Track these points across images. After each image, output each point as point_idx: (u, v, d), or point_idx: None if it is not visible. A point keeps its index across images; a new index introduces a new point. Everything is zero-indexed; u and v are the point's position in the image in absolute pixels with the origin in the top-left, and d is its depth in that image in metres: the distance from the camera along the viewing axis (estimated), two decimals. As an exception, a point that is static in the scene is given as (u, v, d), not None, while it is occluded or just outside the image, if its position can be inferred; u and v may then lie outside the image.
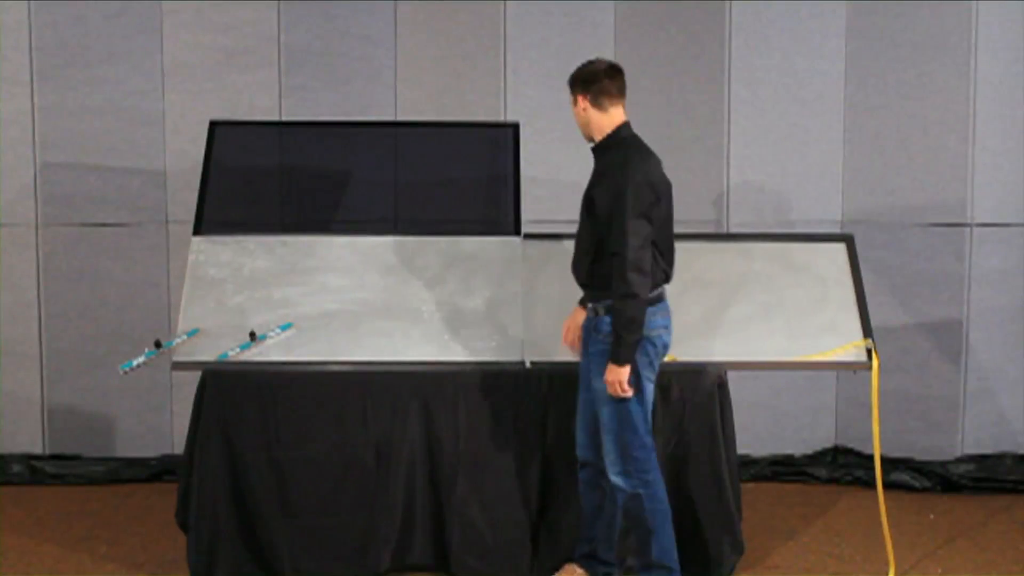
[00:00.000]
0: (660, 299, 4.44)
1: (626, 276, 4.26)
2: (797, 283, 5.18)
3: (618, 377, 4.33)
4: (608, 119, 4.48)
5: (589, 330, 4.49)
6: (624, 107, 4.53)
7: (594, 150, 4.54)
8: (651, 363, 4.43)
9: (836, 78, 6.28)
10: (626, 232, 4.27)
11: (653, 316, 4.38)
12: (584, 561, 4.72)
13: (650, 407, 4.48)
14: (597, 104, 4.47)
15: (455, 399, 4.82)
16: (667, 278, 4.50)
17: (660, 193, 4.39)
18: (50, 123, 6.18)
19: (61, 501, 5.92)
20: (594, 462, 4.59)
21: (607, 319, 4.37)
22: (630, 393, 4.34)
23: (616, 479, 4.45)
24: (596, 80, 4.47)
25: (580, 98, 4.48)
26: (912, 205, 6.23)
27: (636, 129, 6.20)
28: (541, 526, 4.86)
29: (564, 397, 4.83)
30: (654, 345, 4.41)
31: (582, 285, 4.58)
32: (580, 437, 4.64)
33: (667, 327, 4.46)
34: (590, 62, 4.56)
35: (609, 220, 4.33)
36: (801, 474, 6.31)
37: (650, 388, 4.45)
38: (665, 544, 4.49)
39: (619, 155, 4.42)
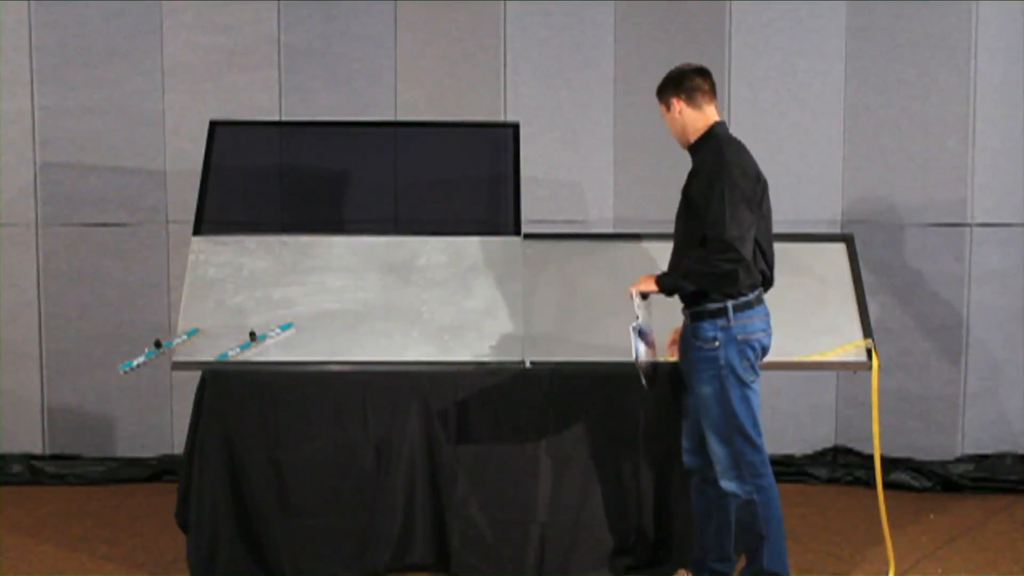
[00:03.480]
0: (759, 301, 4.38)
1: (719, 258, 4.18)
2: (797, 283, 5.18)
3: (647, 286, 4.35)
4: (704, 118, 4.44)
5: (688, 336, 4.43)
6: (717, 108, 4.49)
7: (690, 149, 4.49)
8: (752, 367, 4.35)
9: (836, 78, 6.28)
10: (725, 218, 4.18)
11: (751, 319, 4.33)
12: (695, 568, 4.68)
13: (758, 411, 4.39)
14: (692, 103, 4.44)
15: (455, 399, 4.82)
16: (767, 281, 4.46)
17: (759, 189, 4.34)
18: (50, 123, 6.18)
19: (61, 501, 5.92)
20: (700, 468, 4.54)
21: (705, 324, 4.32)
22: (642, 287, 4.35)
23: (729, 484, 4.37)
24: (688, 79, 4.45)
25: (675, 100, 4.45)
26: (912, 205, 6.23)
27: (635, 128, 6.20)
28: (541, 526, 4.86)
29: (564, 397, 4.83)
30: (753, 349, 4.35)
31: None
32: (685, 443, 4.59)
33: (766, 330, 4.39)
34: (676, 67, 4.54)
35: (708, 210, 4.23)
36: (801, 474, 6.31)
37: (755, 392, 4.37)
38: (777, 552, 4.41)
39: (714, 149, 4.36)
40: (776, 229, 5.93)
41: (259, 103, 6.18)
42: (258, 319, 4.91)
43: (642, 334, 4.45)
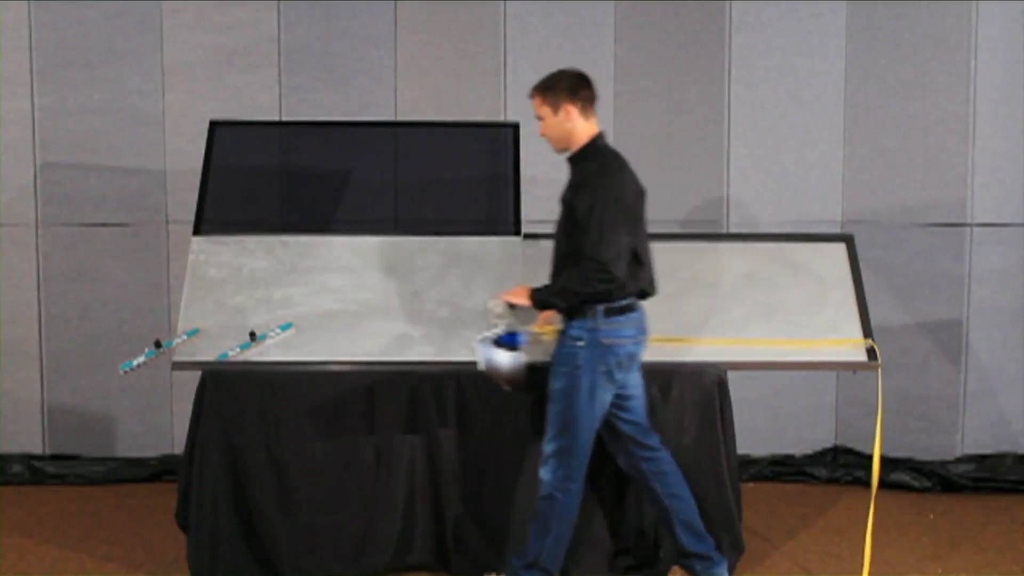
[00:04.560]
0: (631, 309, 4.42)
1: (592, 278, 4.25)
2: (797, 283, 5.18)
3: (520, 300, 4.39)
4: (590, 128, 4.47)
5: (559, 334, 4.47)
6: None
7: (571, 159, 4.50)
8: (609, 372, 4.39)
9: (836, 78, 6.28)
10: (603, 239, 4.25)
11: (621, 326, 4.38)
12: (681, 561, 4.70)
13: (600, 418, 4.44)
14: (584, 112, 4.46)
15: (455, 399, 4.81)
16: (645, 291, 4.49)
17: (639, 204, 4.42)
18: (50, 123, 6.18)
19: (61, 501, 5.92)
20: (639, 459, 4.60)
21: (575, 324, 4.37)
22: (514, 299, 4.40)
23: (544, 473, 4.44)
24: (584, 87, 4.47)
25: (568, 106, 4.44)
26: (912, 205, 6.23)
27: (635, 128, 6.21)
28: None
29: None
30: (616, 355, 4.39)
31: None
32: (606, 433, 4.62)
33: (635, 338, 4.44)
34: (563, 71, 4.53)
35: (588, 228, 4.29)
36: (801, 474, 6.31)
37: (603, 396, 4.41)
38: (556, 550, 4.48)
39: (597, 164, 4.39)
40: (776, 229, 6.00)
41: (259, 103, 6.18)
42: (258, 319, 4.91)
43: (505, 342, 4.47)
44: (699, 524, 4.64)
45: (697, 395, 4.86)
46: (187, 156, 6.07)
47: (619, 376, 4.43)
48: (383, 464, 4.82)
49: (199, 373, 4.81)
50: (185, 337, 4.84)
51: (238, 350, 4.80)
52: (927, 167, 6.21)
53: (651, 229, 5.93)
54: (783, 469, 6.33)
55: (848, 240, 5.34)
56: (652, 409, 4.85)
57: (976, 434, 6.25)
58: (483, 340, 4.51)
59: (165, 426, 6.28)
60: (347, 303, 4.97)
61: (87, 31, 6.16)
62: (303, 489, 4.79)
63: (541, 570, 4.49)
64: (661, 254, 5.24)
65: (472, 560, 4.83)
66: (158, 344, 4.84)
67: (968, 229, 6.20)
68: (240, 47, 6.20)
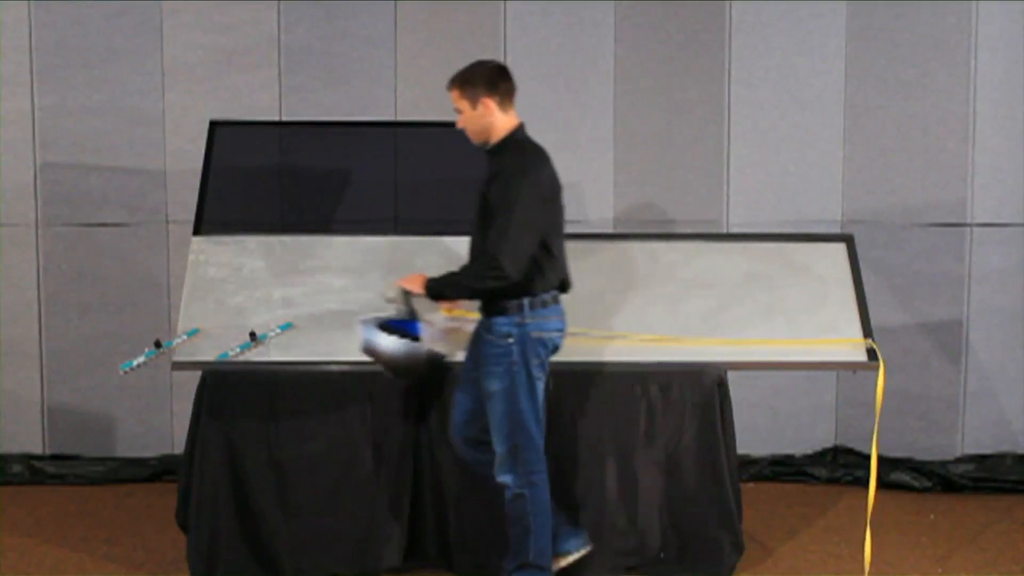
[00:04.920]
0: (555, 302, 4.42)
1: (485, 274, 4.25)
2: (797, 283, 5.18)
3: (414, 287, 4.37)
4: (509, 121, 4.44)
5: (480, 331, 4.45)
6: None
7: (490, 152, 4.46)
8: (542, 363, 4.41)
9: (836, 78, 6.28)
10: (506, 238, 4.23)
11: (548, 318, 4.38)
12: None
13: (541, 406, 4.44)
14: (503, 105, 4.42)
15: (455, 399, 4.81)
16: (563, 284, 4.48)
17: (554, 201, 4.38)
18: (50, 123, 6.18)
19: (61, 501, 5.92)
20: (472, 461, 4.62)
21: (500, 320, 4.35)
22: (409, 286, 4.38)
23: (504, 477, 4.44)
24: (503, 80, 4.43)
25: (486, 99, 4.38)
26: (912, 205, 6.23)
27: (635, 128, 6.21)
28: (541, 526, 4.86)
29: (564, 396, 4.83)
30: (546, 347, 4.41)
31: None
32: (455, 429, 4.62)
33: (561, 331, 4.45)
34: (482, 63, 4.49)
35: (494, 223, 4.28)
36: (801, 474, 6.31)
37: (541, 387, 4.42)
38: (543, 545, 4.47)
39: (516, 157, 4.37)
40: (776, 229, 6.00)
41: (259, 103, 6.18)
42: (258, 319, 4.90)
43: (395, 327, 4.45)
44: (562, 521, 4.64)
45: (697, 395, 4.86)
46: (187, 156, 6.07)
47: (546, 369, 4.43)
48: (383, 464, 4.82)
49: (199, 373, 4.81)
50: (185, 337, 4.84)
51: (238, 350, 4.80)
52: (927, 167, 6.21)
53: (651, 229, 5.98)
54: (783, 469, 6.32)
55: (848, 240, 5.33)
56: (652, 409, 4.86)
57: (976, 434, 6.24)
58: (365, 321, 4.48)
59: (165, 426, 6.27)
60: (347, 303, 4.97)
61: (87, 31, 6.15)
62: (303, 489, 4.80)
63: (535, 568, 4.48)
64: (661, 254, 5.26)
65: (474, 559, 4.83)
66: (158, 344, 4.84)
67: (968, 229, 6.20)
68: (240, 47, 6.20)
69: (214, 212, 5.24)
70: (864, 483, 6.13)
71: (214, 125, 5.46)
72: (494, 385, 4.39)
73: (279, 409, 4.79)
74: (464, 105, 4.41)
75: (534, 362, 4.38)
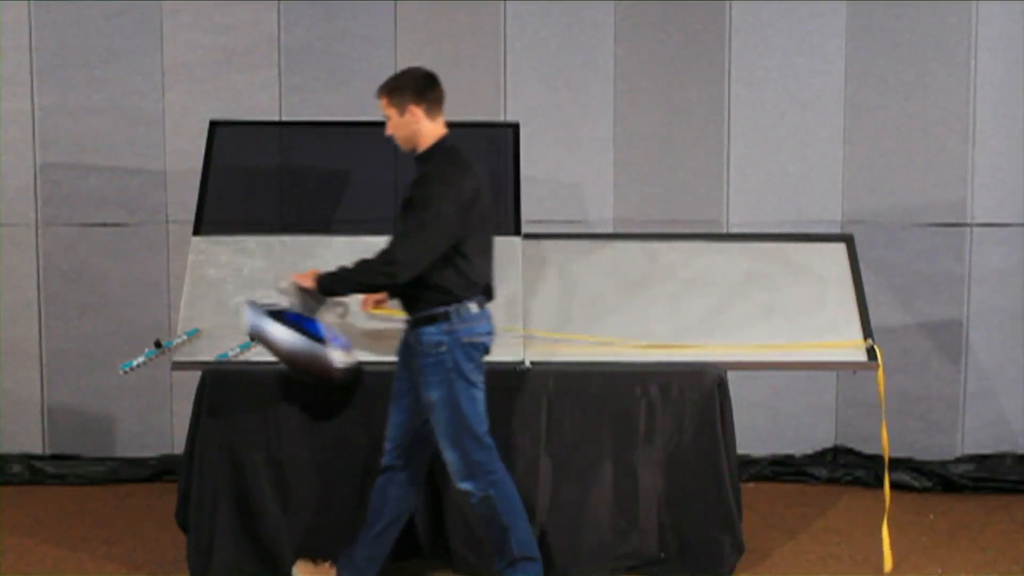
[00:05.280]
0: (480, 306, 4.41)
1: (377, 271, 4.29)
2: (797, 283, 5.18)
3: (306, 281, 4.39)
4: (436, 129, 4.43)
5: (410, 343, 4.44)
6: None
7: (417, 159, 4.46)
8: (477, 367, 4.41)
9: (836, 78, 6.28)
10: (408, 241, 4.26)
11: (475, 322, 4.38)
12: (346, 558, 4.63)
13: (483, 411, 4.43)
14: (431, 113, 4.41)
15: (455, 399, 4.81)
16: (488, 291, 4.47)
17: (472, 209, 4.34)
18: (50, 123, 6.18)
19: (61, 501, 5.92)
20: (393, 466, 4.57)
21: (430, 329, 4.34)
22: (303, 281, 4.40)
23: (464, 485, 4.42)
24: (431, 89, 4.43)
25: (413, 107, 4.38)
26: (912, 205, 6.23)
27: (635, 128, 6.21)
28: (541, 526, 4.85)
29: (564, 397, 4.83)
30: (478, 351, 4.41)
31: (399, 295, 4.48)
32: (388, 444, 4.59)
33: (490, 333, 4.46)
34: (411, 70, 4.50)
35: (402, 225, 4.30)
36: (801, 474, 6.31)
37: (480, 391, 4.41)
38: (523, 536, 4.47)
39: (439, 165, 4.36)
40: (776, 229, 6.00)
41: (259, 103, 6.18)
42: (258, 319, 4.89)
43: (290, 320, 4.47)
44: (388, 547, 4.62)
45: (697, 395, 4.86)
46: (187, 156, 6.07)
47: (481, 375, 4.42)
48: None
49: (199, 373, 4.81)
50: (185, 337, 4.84)
51: (238, 350, 4.80)
52: (927, 167, 6.21)
53: (651, 229, 5.97)
54: (783, 469, 6.32)
55: (848, 240, 5.34)
56: (652, 409, 4.86)
57: (976, 434, 6.25)
58: (251, 305, 4.50)
59: (165, 426, 6.28)
60: (347, 303, 4.96)
61: (87, 31, 6.15)
62: (303, 489, 4.79)
63: (525, 560, 4.47)
64: (661, 254, 5.27)
65: (473, 558, 4.82)
66: (158, 344, 4.84)
67: (968, 229, 6.20)
68: (240, 47, 6.20)
69: (214, 212, 5.24)
70: (864, 483, 6.15)
71: (214, 125, 5.45)
72: (433, 395, 4.38)
73: (279, 409, 4.79)
74: (392, 112, 4.43)
75: (469, 366, 4.37)
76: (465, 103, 6.19)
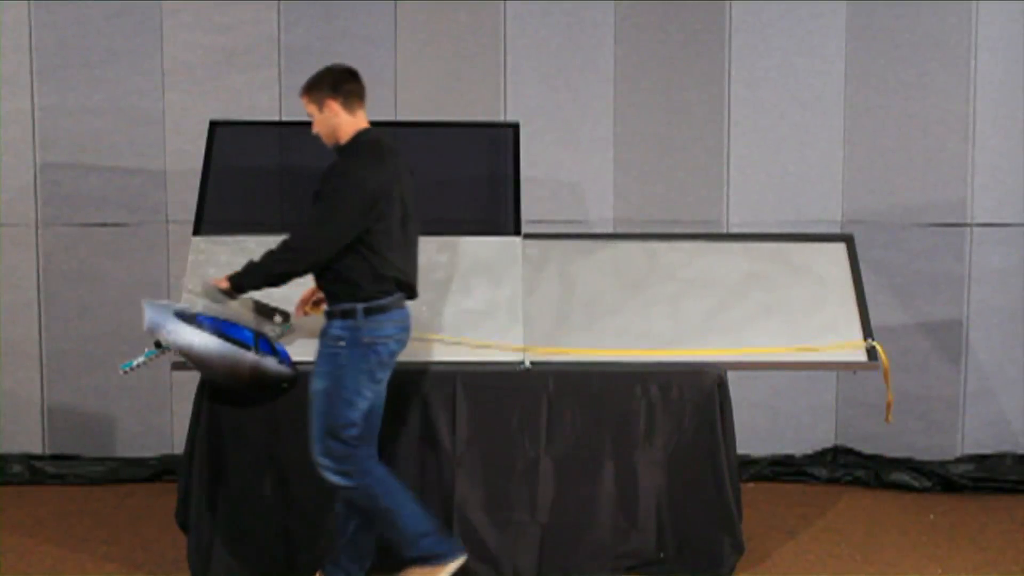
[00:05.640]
0: (392, 307, 4.38)
1: (278, 258, 4.32)
2: (797, 283, 5.19)
3: (221, 283, 4.42)
4: (355, 123, 4.44)
5: (321, 332, 4.45)
6: (364, 112, 4.49)
7: (338, 152, 4.48)
8: (370, 371, 4.36)
9: (836, 78, 6.28)
10: (310, 227, 4.29)
11: (382, 324, 4.35)
12: (331, 566, 4.62)
13: (368, 413, 4.39)
14: (348, 107, 4.42)
15: (455, 399, 4.81)
16: (404, 288, 4.44)
17: (381, 204, 4.32)
18: (50, 123, 6.18)
19: (61, 501, 5.92)
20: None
21: (336, 323, 4.35)
22: (219, 284, 4.43)
23: (336, 479, 4.40)
24: (346, 82, 4.44)
25: (330, 102, 4.40)
26: (912, 205, 6.23)
27: (635, 128, 6.20)
28: (541, 526, 4.85)
29: (564, 397, 4.83)
30: (377, 353, 4.36)
31: (322, 290, 4.50)
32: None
33: (397, 337, 4.41)
34: (329, 68, 4.51)
35: (310, 212, 4.34)
36: (801, 474, 6.31)
37: (367, 394, 4.37)
38: (410, 518, 4.41)
39: (350, 157, 4.38)
40: (776, 229, 6.00)
41: (259, 103, 6.18)
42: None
43: (206, 324, 4.50)
44: (369, 545, 4.60)
45: (697, 395, 4.86)
46: (187, 156, 6.07)
47: (381, 375, 4.40)
48: (383, 464, 4.81)
49: (199, 373, 4.80)
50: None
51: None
52: (927, 167, 6.21)
53: (651, 229, 5.97)
54: (783, 469, 6.32)
55: (848, 240, 5.34)
56: (652, 409, 4.86)
57: (976, 434, 6.25)
58: (152, 304, 4.54)
59: (165, 426, 6.28)
60: (290, 312, 4.93)
61: (87, 31, 6.15)
62: (303, 489, 4.79)
63: (424, 536, 4.42)
64: (661, 254, 5.26)
65: (473, 560, 4.82)
66: (158, 344, 4.83)
67: (968, 229, 6.20)
68: (240, 47, 6.20)
69: (214, 212, 5.24)
70: (864, 483, 6.15)
71: (214, 125, 5.45)
72: (317, 384, 4.38)
73: (279, 409, 4.78)
74: (313, 109, 4.45)
75: (363, 367, 4.34)
76: (465, 103, 6.22)
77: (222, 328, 4.55)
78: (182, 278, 4.96)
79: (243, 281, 4.45)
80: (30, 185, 6.19)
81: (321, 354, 4.40)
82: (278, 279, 4.42)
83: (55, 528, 5.53)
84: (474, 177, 5.61)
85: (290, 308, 4.77)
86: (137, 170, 6.21)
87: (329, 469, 4.40)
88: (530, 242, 5.21)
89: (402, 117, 6.20)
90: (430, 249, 5.12)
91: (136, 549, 5.26)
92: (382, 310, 4.35)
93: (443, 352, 4.90)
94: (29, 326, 6.21)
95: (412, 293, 4.52)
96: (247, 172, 5.61)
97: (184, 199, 5.94)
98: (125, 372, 4.80)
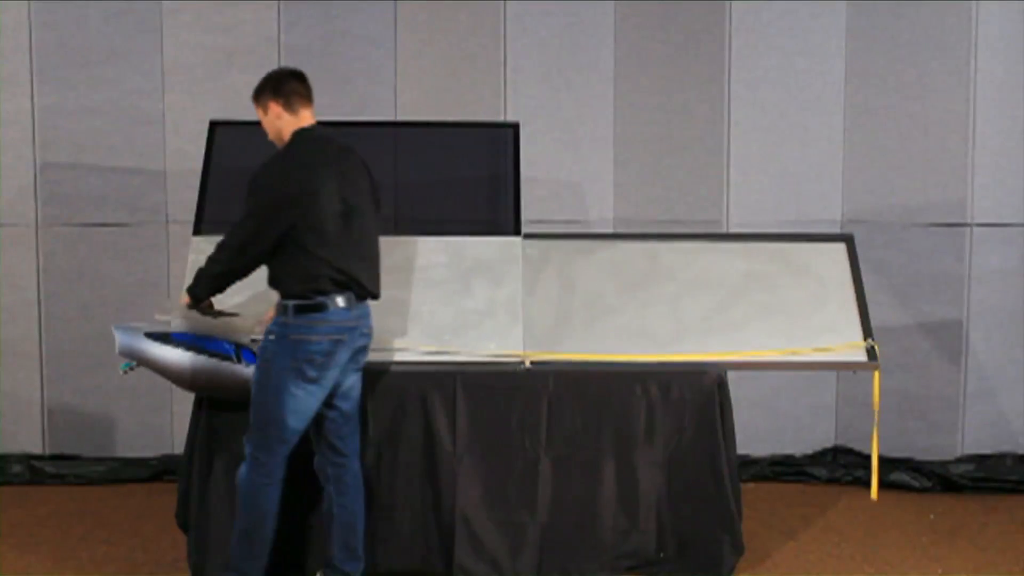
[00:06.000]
0: (327, 307, 4.34)
1: (211, 259, 4.38)
2: (797, 283, 5.18)
3: (184, 299, 4.50)
4: (297, 122, 4.47)
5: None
6: (312, 112, 4.51)
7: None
8: (298, 368, 4.34)
9: (836, 78, 6.28)
10: (235, 226, 4.35)
11: (312, 323, 4.33)
12: (325, 570, 4.64)
13: (297, 415, 4.37)
14: (289, 108, 4.45)
15: (455, 399, 4.82)
16: (348, 287, 4.39)
17: (302, 200, 4.30)
18: (50, 123, 6.18)
19: (61, 501, 5.92)
20: (321, 467, 4.59)
21: (276, 319, 4.38)
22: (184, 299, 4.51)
23: (242, 467, 4.43)
24: (286, 83, 4.47)
25: (272, 104, 4.44)
26: (912, 205, 6.23)
27: (635, 128, 6.19)
28: (541, 526, 4.85)
29: (564, 397, 4.83)
30: (306, 352, 4.33)
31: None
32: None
33: (332, 336, 4.35)
34: (272, 71, 4.56)
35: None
36: (801, 474, 6.31)
37: (296, 392, 4.34)
38: (238, 550, 4.44)
39: (277, 158, 4.41)
40: (776, 229, 5.99)
41: (259, 103, 6.17)
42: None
43: (179, 340, 4.57)
44: (358, 543, 4.59)
45: (697, 395, 4.86)
46: (187, 156, 6.07)
47: (313, 374, 4.35)
48: (382, 464, 4.81)
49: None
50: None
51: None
52: (927, 167, 6.22)
53: (651, 229, 5.97)
54: (783, 469, 6.33)
55: (848, 240, 5.34)
56: (652, 409, 4.86)
57: (976, 434, 6.25)
58: (121, 328, 4.59)
59: (165, 426, 6.28)
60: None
61: (87, 31, 6.16)
62: (302, 489, 4.79)
63: (234, 571, 4.46)
64: (661, 254, 5.26)
65: (473, 560, 4.83)
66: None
67: (968, 229, 6.20)
68: (240, 47, 6.20)
69: (214, 212, 5.23)
70: (864, 483, 6.15)
71: (214, 125, 5.45)
72: (253, 376, 4.43)
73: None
74: (260, 113, 4.50)
75: (288, 364, 4.33)
76: (465, 103, 6.22)
77: (200, 343, 4.56)
78: (182, 280, 4.95)
79: (194, 290, 4.49)
80: (30, 185, 6.19)
81: (260, 346, 4.46)
82: (220, 280, 4.44)
83: (55, 528, 5.53)
84: (474, 177, 5.61)
85: None
86: (137, 170, 6.21)
87: (246, 461, 4.43)
88: (530, 242, 5.21)
89: (402, 117, 6.20)
90: (430, 249, 5.13)
91: (136, 549, 5.26)
92: (315, 309, 4.34)
93: (443, 352, 4.90)
94: (29, 326, 6.21)
95: (364, 292, 4.46)
96: (247, 172, 5.59)
97: (184, 199, 5.94)
98: (125, 372, 4.80)
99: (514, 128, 5.48)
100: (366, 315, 4.49)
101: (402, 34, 6.25)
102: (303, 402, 4.36)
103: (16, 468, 6.19)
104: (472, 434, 4.83)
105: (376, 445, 4.81)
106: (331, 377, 4.40)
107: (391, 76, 6.25)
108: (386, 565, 4.84)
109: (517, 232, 5.22)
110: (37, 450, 6.26)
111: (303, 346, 4.33)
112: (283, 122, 4.46)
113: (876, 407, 4.96)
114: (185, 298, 4.52)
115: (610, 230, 6.20)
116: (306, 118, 4.49)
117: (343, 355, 4.40)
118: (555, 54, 6.26)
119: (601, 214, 6.29)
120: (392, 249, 5.13)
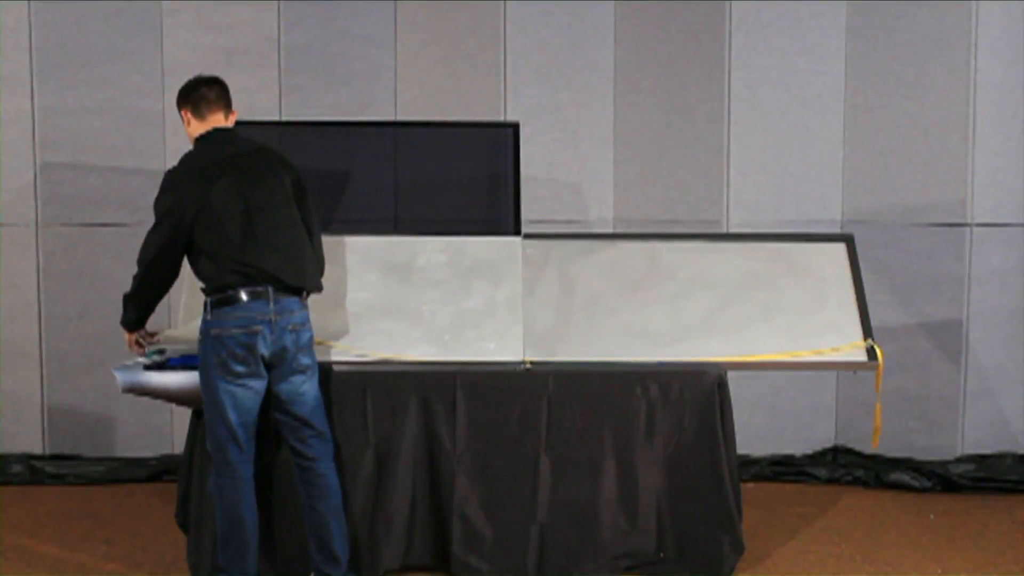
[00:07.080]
0: (236, 301, 4.35)
1: (134, 276, 4.53)
2: (797, 283, 5.18)
3: (126, 338, 4.66)
4: (202, 127, 4.55)
5: None
6: (226, 115, 4.57)
7: None
8: (222, 363, 4.35)
9: (836, 78, 6.28)
10: (146, 238, 4.47)
11: (226, 317, 4.35)
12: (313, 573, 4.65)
13: (239, 411, 4.39)
14: (197, 113, 4.54)
15: (455, 399, 4.82)
16: (262, 281, 4.38)
17: (187, 210, 4.35)
18: (50, 123, 6.18)
19: (61, 501, 5.92)
20: (297, 465, 4.60)
21: (202, 319, 4.42)
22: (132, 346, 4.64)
23: (212, 471, 4.49)
24: (195, 90, 4.56)
25: (183, 112, 4.57)
26: (912, 205, 6.23)
27: (635, 128, 6.19)
28: (541, 526, 4.85)
29: (564, 397, 4.83)
30: (226, 346, 4.35)
31: None
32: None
33: (246, 328, 4.35)
34: (188, 79, 4.65)
35: None
36: (801, 474, 6.31)
37: (228, 388, 4.36)
38: (228, 553, 4.44)
39: (178, 164, 4.51)
40: (776, 229, 5.99)
41: (259, 103, 6.18)
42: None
43: (171, 364, 4.68)
44: (334, 546, 4.56)
45: (697, 395, 4.86)
46: (187, 156, 6.06)
47: (239, 368, 4.35)
48: (382, 464, 4.81)
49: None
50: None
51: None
52: (927, 167, 6.22)
53: (651, 229, 5.97)
54: (783, 469, 6.33)
55: (848, 240, 5.33)
56: (652, 409, 4.86)
57: (976, 434, 6.25)
58: (119, 368, 4.67)
59: (165, 426, 6.28)
60: (347, 303, 4.97)
61: (87, 31, 6.16)
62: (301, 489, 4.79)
63: (221, 571, 4.46)
64: (661, 254, 5.26)
65: (473, 560, 4.82)
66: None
67: (968, 229, 6.20)
68: (240, 47, 6.20)
69: (214, 212, 5.23)
70: (864, 483, 6.15)
71: (214, 125, 5.45)
72: (199, 375, 4.49)
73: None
74: (182, 123, 4.62)
75: (212, 360, 4.37)
76: (465, 103, 6.22)
77: (194, 361, 4.56)
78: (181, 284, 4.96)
79: (125, 316, 4.61)
80: (30, 185, 6.19)
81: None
82: (141, 298, 4.54)
83: (55, 528, 5.53)
84: (474, 177, 5.61)
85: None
86: (137, 170, 6.21)
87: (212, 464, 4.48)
88: (530, 242, 5.21)
89: (402, 117, 6.20)
90: (430, 249, 5.13)
91: (136, 549, 5.26)
92: (226, 303, 4.36)
93: (443, 352, 4.90)
94: (29, 326, 6.21)
95: (282, 286, 4.42)
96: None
97: (184, 199, 5.93)
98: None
99: (514, 128, 5.48)
100: (291, 310, 4.44)
101: (402, 34, 6.25)
102: (239, 397, 4.39)
103: (16, 468, 6.19)
104: (472, 434, 4.83)
105: (376, 445, 4.81)
106: (261, 372, 4.41)
107: (391, 76, 6.25)
108: (386, 565, 4.84)
109: (517, 232, 5.22)
110: (37, 450, 6.26)
111: (222, 340, 4.36)
112: (192, 128, 4.57)
113: (877, 399, 4.95)
114: (125, 334, 4.64)
115: (610, 230, 6.20)
116: (216, 122, 4.55)
117: (263, 348, 4.38)
118: (555, 54, 6.26)
119: (601, 214, 6.29)
120: (392, 249, 5.13)
